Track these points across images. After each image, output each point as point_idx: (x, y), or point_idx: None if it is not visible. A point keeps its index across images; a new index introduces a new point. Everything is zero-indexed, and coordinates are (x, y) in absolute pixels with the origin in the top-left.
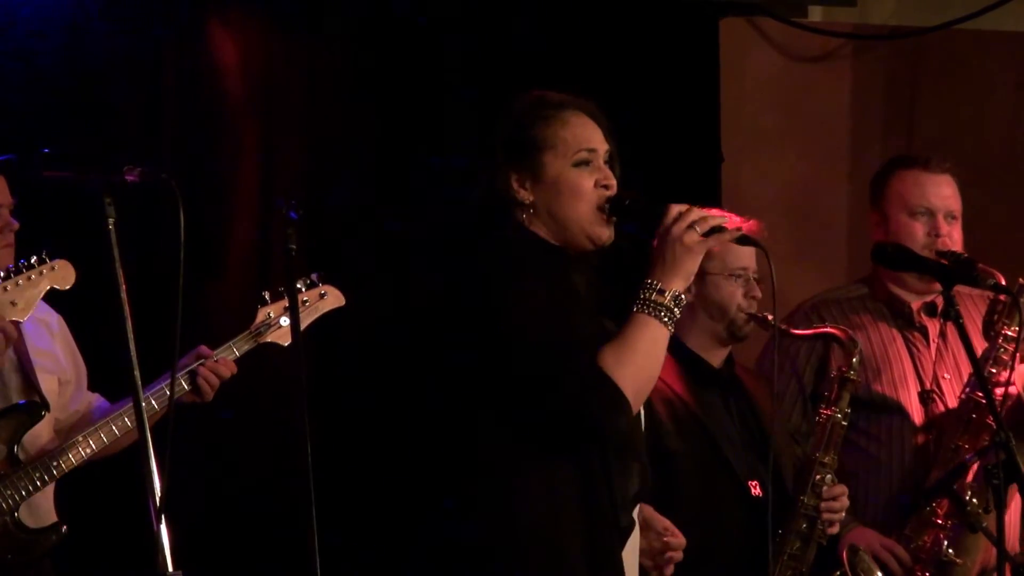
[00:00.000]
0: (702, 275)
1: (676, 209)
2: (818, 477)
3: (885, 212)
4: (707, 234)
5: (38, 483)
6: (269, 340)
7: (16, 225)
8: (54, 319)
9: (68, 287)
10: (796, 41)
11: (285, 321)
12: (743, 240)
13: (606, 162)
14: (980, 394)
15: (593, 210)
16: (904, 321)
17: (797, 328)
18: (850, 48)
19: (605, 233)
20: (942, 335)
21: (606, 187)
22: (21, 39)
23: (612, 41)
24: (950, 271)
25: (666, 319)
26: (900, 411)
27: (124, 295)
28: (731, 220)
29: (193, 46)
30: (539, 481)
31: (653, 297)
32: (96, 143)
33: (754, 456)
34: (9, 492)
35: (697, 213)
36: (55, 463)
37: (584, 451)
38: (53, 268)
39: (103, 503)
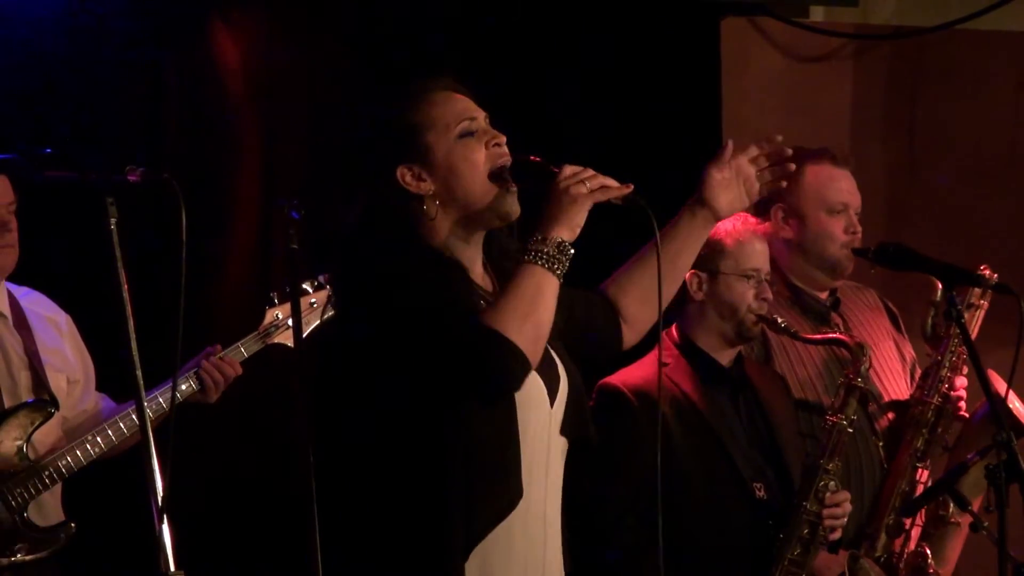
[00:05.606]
0: (714, 274)
1: (570, 168)
2: (822, 484)
3: (800, 210)
4: (596, 190)
5: (47, 481)
6: (277, 341)
7: (14, 223)
8: (63, 319)
9: None
10: (797, 41)
11: None
12: (630, 200)
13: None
14: (927, 396)
15: (489, 182)
16: (818, 316)
17: (808, 334)
18: (851, 48)
19: (514, 208)
20: (846, 330)
21: (498, 144)
22: (22, 39)
23: (613, 41)
24: (952, 272)
25: (547, 265)
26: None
27: (126, 295)
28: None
29: (194, 46)
30: (384, 513)
31: (536, 246)
32: (98, 143)
33: (760, 456)
34: (19, 490)
35: (590, 172)
36: (64, 462)
37: (441, 476)
38: None
39: (105, 503)
